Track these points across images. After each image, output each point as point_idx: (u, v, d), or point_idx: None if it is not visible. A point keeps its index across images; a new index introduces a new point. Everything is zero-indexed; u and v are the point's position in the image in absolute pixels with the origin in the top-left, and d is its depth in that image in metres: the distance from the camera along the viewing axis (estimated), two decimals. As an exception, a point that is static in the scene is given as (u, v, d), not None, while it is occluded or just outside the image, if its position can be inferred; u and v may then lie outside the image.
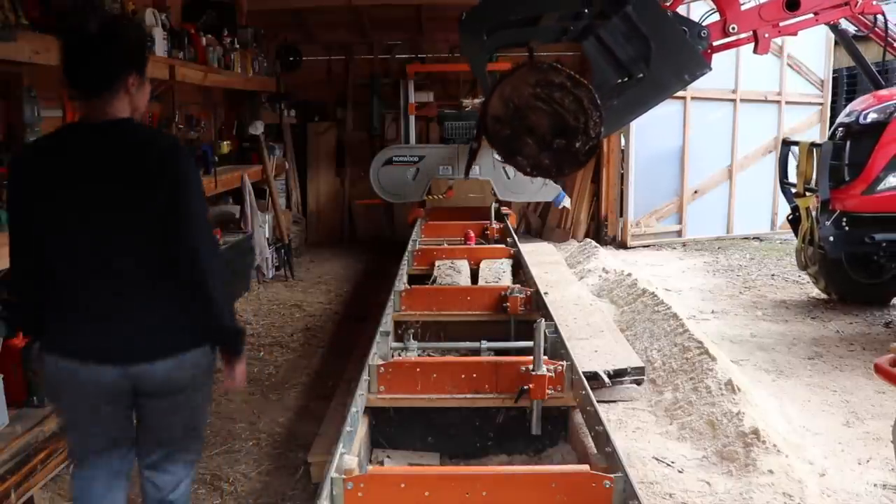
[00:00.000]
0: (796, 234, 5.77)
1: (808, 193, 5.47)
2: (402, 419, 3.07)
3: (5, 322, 3.46)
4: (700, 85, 8.51)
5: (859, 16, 4.74)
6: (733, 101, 8.91)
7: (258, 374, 4.76)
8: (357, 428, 2.71)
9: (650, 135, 8.64)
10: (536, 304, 4.12)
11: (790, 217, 5.94)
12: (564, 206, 8.59)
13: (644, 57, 3.16)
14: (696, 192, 8.97)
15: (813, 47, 9.02)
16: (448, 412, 3.08)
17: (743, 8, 3.61)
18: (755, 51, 3.70)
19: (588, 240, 8.60)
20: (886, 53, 5.27)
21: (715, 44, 3.66)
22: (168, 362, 2.11)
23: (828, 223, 5.22)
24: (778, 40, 8.86)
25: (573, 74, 2.53)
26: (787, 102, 9.19)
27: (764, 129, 8.99)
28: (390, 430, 3.08)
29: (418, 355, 3.49)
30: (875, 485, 3.20)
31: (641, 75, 3.15)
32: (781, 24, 3.68)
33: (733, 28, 3.57)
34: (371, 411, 3.02)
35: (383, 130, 9.35)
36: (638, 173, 8.71)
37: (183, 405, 2.20)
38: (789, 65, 9.12)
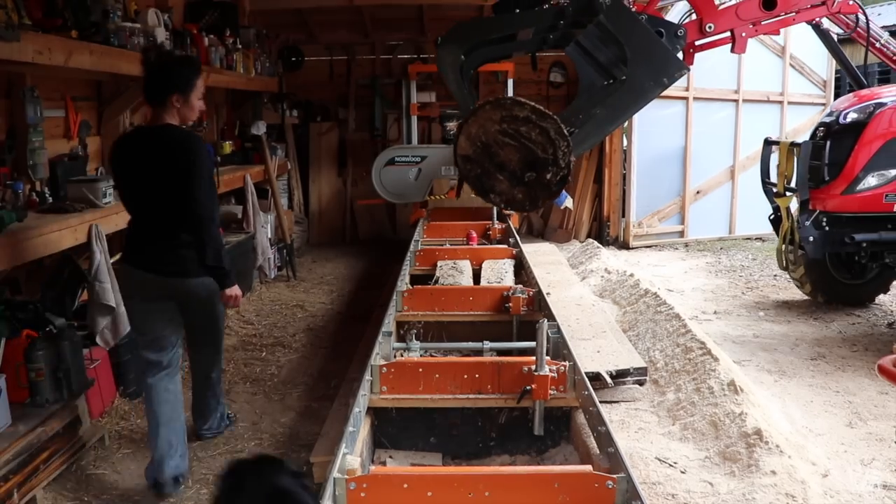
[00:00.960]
0: (778, 235, 5.75)
1: (788, 193, 5.43)
2: (404, 419, 3.07)
3: (7, 322, 3.47)
4: (702, 85, 8.62)
5: (840, 15, 4.77)
6: (736, 101, 8.91)
7: (260, 375, 4.77)
8: (359, 428, 2.71)
9: (652, 135, 8.65)
10: (539, 305, 4.12)
11: (772, 217, 5.89)
12: (567, 207, 8.58)
13: (624, 60, 3.17)
14: (698, 192, 8.97)
15: (815, 47, 8.99)
16: (450, 412, 3.08)
17: (720, 7, 3.62)
18: (732, 50, 3.72)
19: (590, 240, 8.60)
20: (869, 53, 5.26)
21: (697, 43, 3.68)
22: (187, 281, 3.28)
23: (808, 223, 5.18)
24: (780, 40, 8.86)
25: (537, 107, 2.53)
26: (790, 103, 9.19)
27: (766, 129, 8.94)
28: (393, 430, 3.08)
29: (421, 356, 3.48)
30: (878, 485, 3.20)
31: (624, 78, 3.15)
32: (759, 23, 3.69)
33: (710, 27, 3.58)
34: (373, 411, 3.02)
35: (385, 130, 9.36)
36: (640, 173, 8.71)
37: (204, 309, 3.41)
38: (792, 65, 9.11)
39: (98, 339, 3.99)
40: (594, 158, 9.02)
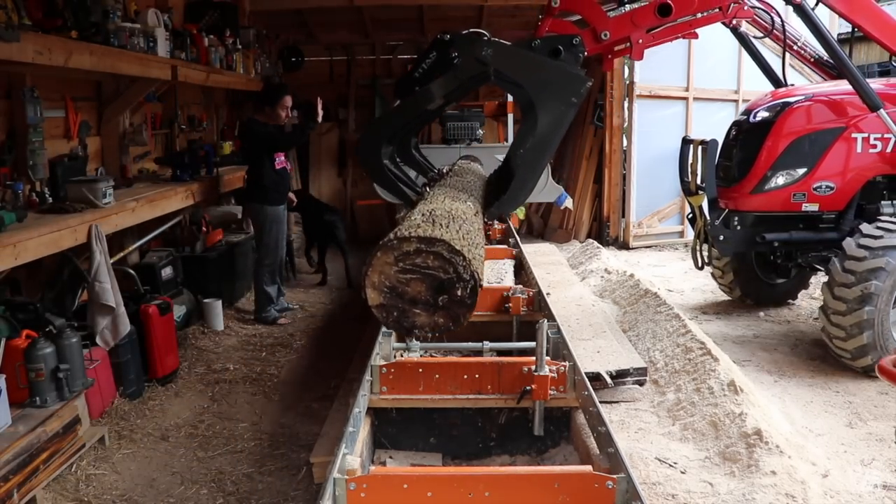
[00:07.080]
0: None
1: (700, 192, 5.40)
2: (404, 420, 3.07)
3: (7, 322, 3.47)
4: (702, 85, 8.61)
5: (754, 18, 4.92)
6: (736, 101, 8.89)
7: (260, 375, 4.77)
8: (359, 428, 2.71)
9: (652, 135, 8.64)
10: (539, 305, 4.11)
11: (690, 216, 5.82)
12: (567, 207, 8.58)
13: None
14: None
15: (815, 48, 8.99)
16: (450, 413, 3.07)
17: (613, 14, 3.64)
18: (631, 56, 3.75)
19: (590, 240, 8.60)
20: (786, 53, 5.44)
21: (616, 49, 3.74)
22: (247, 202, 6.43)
23: (717, 222, 5.16)
24: (780, 40, 8.84)
25: (423, 236, 2.56)
26: (790, 103, 9.17)
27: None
28: (393, 430, 3.07)
29: (420, 356, 3.47)
30: (878, 486, 3.20)
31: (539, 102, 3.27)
32: (656, 30, 3.73)
33: (605, 35, 3.61)
34: (373, 412, 3.01)
35: (385, 131, 9.34)
36: (640, 174, 8.71)
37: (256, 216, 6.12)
38: (791, 66, 9.09)
39: (98, 339, 3.99)
40: (594, 159, 9.01)
